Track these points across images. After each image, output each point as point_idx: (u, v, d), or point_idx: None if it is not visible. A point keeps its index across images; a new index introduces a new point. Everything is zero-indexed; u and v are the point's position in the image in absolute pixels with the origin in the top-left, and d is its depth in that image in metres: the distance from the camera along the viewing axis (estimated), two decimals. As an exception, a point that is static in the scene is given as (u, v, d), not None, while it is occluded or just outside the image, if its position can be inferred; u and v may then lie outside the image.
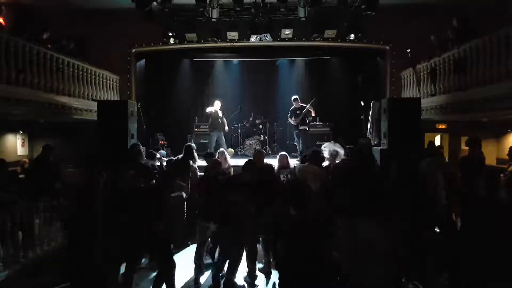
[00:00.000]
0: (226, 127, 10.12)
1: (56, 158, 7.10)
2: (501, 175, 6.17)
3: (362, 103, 9.49)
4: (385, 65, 10.42)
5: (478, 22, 7.61)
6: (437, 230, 5.00)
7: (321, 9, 8.13)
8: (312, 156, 5.78)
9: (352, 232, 4.17)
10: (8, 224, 4.80)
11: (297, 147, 10.02)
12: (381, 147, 6.92)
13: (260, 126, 11.22)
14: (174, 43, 9.21)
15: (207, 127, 10.47)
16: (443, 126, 9.55)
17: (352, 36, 8.82)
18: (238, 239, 4.64)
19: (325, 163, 6.03)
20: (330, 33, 8.70)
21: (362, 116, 9.43)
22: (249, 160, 5.44)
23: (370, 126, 8.51)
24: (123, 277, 4.33)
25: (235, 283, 4.67)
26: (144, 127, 9.01)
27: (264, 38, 8.75)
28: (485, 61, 6.40)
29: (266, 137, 11.03)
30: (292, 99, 9.94)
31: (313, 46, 10.34)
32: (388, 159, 5.87)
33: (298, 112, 9.73)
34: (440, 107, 7.82)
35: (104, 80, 9.56)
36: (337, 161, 6.08)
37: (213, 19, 7.93)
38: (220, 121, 9.86)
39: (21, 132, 9.83)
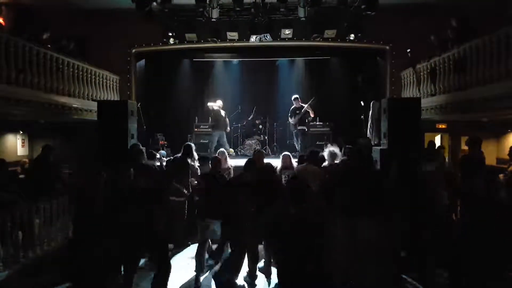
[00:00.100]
0: (228, 128, 10.12)
1: (56, 158, 7.10)
2: (501, 175, 6.18)
3: (362, 103, 9.49)
4: (385, 65, 10.42)
5: (478, 22, 7.61)
6: (437, 230, 5.00)
7: (321, 9, 8.12)
8: (311, 156, 5.78)
9: (352, 232, 4.17)
10: (8, 224, 4.79)
11: (296, 147, 10.04)
12: (381, 147, 6.92)
13: (260, 126, 11.21)
14: (174, 43, 9.21)
15: (207, 127, 10.47)
16: (443, 126, 9.55)
17: (352, 36, 8.82)
18: (238, 239, 4.64)
19: (325, 163, 6.02)
20: (330, 33, 8.70)
21: (362, 116, 9.43)
22: (250, 159, 5.44)
23: (370, 126, 8.52)
24: (123, 277, 4.33)
25: (235, 283, 4.68)
26: (144, 127, 9.01)
27: (264, 38, 8.75)
28: (485, 61, 6.39)
29: (266, 137, 11.02)
30: (292, 99, 9.95)
31: (313, 46, 10.34)
32: (388, 159, 5.86)
33: (297, 112, 9.75)
34: (440, 107, 7.81)
35: (104, 80, 9.55)
36: (336, 162, 6.08)
37: (213, 19, 7.92)
38: (222, 120, 9.86)
39: (21, 132, 9.84)
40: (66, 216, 5.74)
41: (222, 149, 7.20)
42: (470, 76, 6.82)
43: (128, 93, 10.40)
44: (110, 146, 6.59)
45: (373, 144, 7.83)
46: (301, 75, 12.52)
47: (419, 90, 8.74)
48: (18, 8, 8.40)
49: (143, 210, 4.16)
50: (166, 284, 4.29)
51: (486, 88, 6.31)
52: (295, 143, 10.19)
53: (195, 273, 4.99)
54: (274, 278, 4.78)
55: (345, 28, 8.68)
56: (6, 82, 6.14)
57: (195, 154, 6.57)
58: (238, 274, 4.72)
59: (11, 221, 4.85)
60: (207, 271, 5.28)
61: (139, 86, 10.68)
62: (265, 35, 8.63)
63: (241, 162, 5.68)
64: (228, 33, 8.77)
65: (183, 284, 4.99)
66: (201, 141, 10.36)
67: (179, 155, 6.49)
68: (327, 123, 10.87)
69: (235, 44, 9.43)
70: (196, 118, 11.35)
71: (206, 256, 5.30)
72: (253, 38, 8.83)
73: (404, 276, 4.75)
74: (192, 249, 5.88)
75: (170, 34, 8.95)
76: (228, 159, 6.74)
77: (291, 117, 9.85)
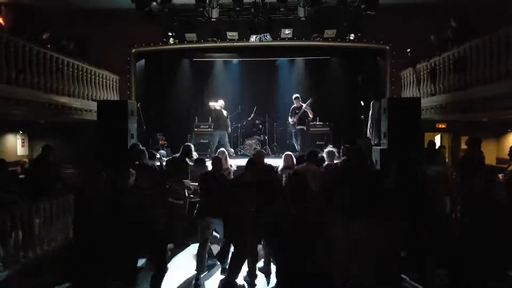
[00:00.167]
0: (229, 128, 10.12)
1: (56, 158, 7.10)
2: (501, 175, 6.18)
3: (362, 103, 9.49)
4: (385, 65, 10.42)
5: (478, 22, 7.61)
6: (437, 230, 5.00)
7: (321, 9, 8.12)
8: (310, 156, 5.78)
9: (352, 232, 4.17)
10: (8, 224, 4.80)
11: (296, 146, 10.04)
12: (381, 147, 6.92)
13: (260, 126, 11.22)
14: (174, 43, 9.20)
15: (207, 127, 10.47)
16: (443, 126, 9.55)
17: (352, 36, 8.81)
18: (238, 239, 4.64)
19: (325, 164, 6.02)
20: (330, 33, 8.69)
21: (362, 116, 9.43)
22: (250, 159, 5.44)
23: (370, 126, 8.52)
24: (123, 277, 4.33)
25: (235, 283, 4.68)
26: (144, 127, 9.01)
27: (264, 38, 8.74)
28: (485, 61, 6.39)
29: (266, 137, 11.02)
30: (293, 98, 9.96)
31: (313, 46, 10.33)
32: (388, 159, 5.86)
33: (297, 111, 9.76)
34: (440, 106, 7.82)
35: (104, 80, 9.56)
36: (335, 161, 6.08)
37: (213, 19, 7.92)
38: (224, 120, 9.84)
39: (21, 132, 9.84)
40: (66, 216, 5.74)
41: (222, 149, 7.20)
42: (470, 76, 6.82)
43: (128, 93, 10.40)
44: (110, 146, 6.59)
45: (373, 144, 7.83)
46: (301, 75, 12.52)
47: (419, 90, 8.75)
48: (18, 8, 8.40)
49: (143, 210, 4.16)
50: (160, 285, 4.29)
51: (486, 88, 6.32)
52: (294, 143, 10.18)
53: (195, 273, 4.99)
54: (274, 278, 4.79)
55: (345, 28, 8.67)
56: (6, 82, 6.15)
57: (194, 154, 6.57)
58: (238, 274, 4.72)
59: (11, 221, 4.85)
60: (207, 271, 5.28)
61: (139, 86, 10.68)
62: (265, 35, 8.63)
63: (241, 162, 5.67)
64: (228, 33, 8.77)
65: (183, 284, 4.99)
66: (201, 141, 10.36)
67: (177, 155, 6.49)
68: (327, 123, 10.86)
69: (235, 44, 9.42)
70: (196, 118, 11.35)
71: (206, 256, 5.30)
72: (253, 38, 8.83)
73: (404, 276, 4.75)
74: (192, 249, 5.88)
75: (170, 34, 8.94)
76: (228, 159, 6.74)
77: (291, 117, 9.85)
